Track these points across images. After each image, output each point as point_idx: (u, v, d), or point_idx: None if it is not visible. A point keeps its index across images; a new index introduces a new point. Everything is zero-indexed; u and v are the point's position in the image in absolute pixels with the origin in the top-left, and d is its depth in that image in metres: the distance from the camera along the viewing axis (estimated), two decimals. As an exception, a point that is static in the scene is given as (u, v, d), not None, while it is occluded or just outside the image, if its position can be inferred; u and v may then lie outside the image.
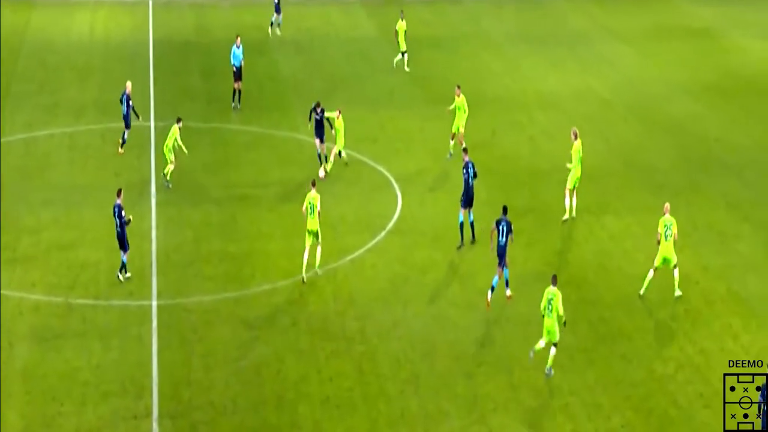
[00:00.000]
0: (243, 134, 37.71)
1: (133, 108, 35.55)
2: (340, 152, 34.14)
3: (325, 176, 33.23)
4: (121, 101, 35.59)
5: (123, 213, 27.36)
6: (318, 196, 27.86)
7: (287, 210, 31.52)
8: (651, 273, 26.74)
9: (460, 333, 25.91)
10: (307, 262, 27.81)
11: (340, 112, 34.15)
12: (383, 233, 30.65)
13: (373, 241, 30.27)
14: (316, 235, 27.77)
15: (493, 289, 26.86)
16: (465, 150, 30.96)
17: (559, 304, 23.81)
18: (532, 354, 24.24)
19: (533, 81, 44.10)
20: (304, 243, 27.90)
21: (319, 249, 27.93)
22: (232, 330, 25.79)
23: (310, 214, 27.73)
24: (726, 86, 43.87)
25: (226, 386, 23.62)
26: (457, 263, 29.27)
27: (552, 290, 23.95)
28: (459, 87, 35.85)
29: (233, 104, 39.74)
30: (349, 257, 29.33)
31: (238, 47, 39.54)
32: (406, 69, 44.42)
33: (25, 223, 30.77)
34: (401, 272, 28.70)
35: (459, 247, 29.75)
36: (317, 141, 34.17)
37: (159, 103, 40.09)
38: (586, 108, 41.21)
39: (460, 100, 35.51)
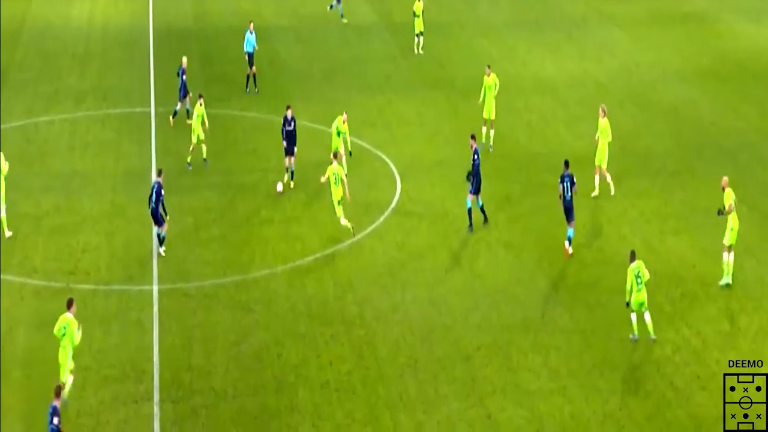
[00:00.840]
0: (242, 120, 37.39)
1: (184, 83, 35.47)
2: (350, 152, 32.76)
3: (283, 191, 30.78)
4: (178, 74, 35.90)
5: (162, 192, 27.29)
6: (341, 168, 28.77)
7: (286, 196, 31.25)
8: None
9: (458, 317, 25.69)
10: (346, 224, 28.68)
11: (345, 116, 32.32)
12: (382, 218, 30.39)
13: (372, 226, 30.02)
14: (339, 202, 28.51)
15: (569, 240, 27.89)
16: (473, 136, 30.34)
17: (646, 272, 24.06)
18: (635, 337, 24.35)
19: (530, 66, 43.76)
20: (336, 212, 28.66)
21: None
22: (231, 315, 25.56)
23: (335, 183, 28.37)
24: (720, 71, 43.56)
25: (226, 370, 23.40)
26: (455, 248, 29.02)
27: (635, 264, 24.07)
28: (489, 66, 35.32)
29: (247, 90, 39.29)
30: (347, 242, 29.07)
31: (251, 33, 39.24)
32: (420, 52, 44.08)
33: (26, 209, 30.50)
34: (400, 257, 28.45)
35: (469, 230, 29.49)
36: (287, 158, 31.61)
37: (159, 90, 39.75)
38: (582, 93, 40.89)
39: (491, 80, 34.89)
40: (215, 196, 31.76)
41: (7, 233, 28.76)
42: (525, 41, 46.99)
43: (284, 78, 41.23)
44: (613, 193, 31.62)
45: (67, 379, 21.94)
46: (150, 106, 38.13)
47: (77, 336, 21.97)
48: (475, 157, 29.42)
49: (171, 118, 35.78)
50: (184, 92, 35.62)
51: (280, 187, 30.06)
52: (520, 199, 31.83)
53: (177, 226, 29.39)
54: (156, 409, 22.05)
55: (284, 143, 31.73)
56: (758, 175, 33.99)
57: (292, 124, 31.52)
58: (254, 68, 39.31)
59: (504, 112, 38.39)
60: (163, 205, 27.45)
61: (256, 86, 39.44)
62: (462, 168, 32.92)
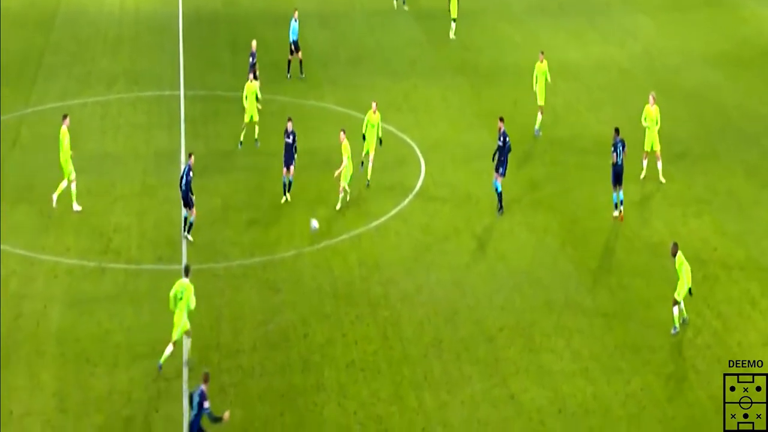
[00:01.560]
0: (270, 104, 37.17)
1: (254, 64, 35.35)
2: (380, 140, 31.12)
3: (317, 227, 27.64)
4: (252, 55, 35.77)
5: (191, 175, 27.05)
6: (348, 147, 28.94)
7: (313, 178, 31.07)
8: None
9: (481, 298, 25.48)
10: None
11: (375, 106, 30.68)
12: (406, 201, 30.18)
13: (397, 208, 29.82)
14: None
15: (616, 205, 28.60)
16: (501, 119, 29.67)
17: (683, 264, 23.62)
18: (676, 330, 23.87)
19: (553, 51, 43.11)
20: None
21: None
22: (259, 294, 25.48)
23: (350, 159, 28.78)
24: (743, 55, 42.94)
25: (254, 349, 23.34)
26: (478, 231, 28.79)
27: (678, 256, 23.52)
28: (543, 53, 34.91)
29: (289, 75, 38.96)
30: (373, 223, 28.90)
31: (295, 21, 38.99)
32: (452, 36, 43.73)
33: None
34: (424, 239, 28.26)
35: (499, 212, 29.25)
36: (285, 169, 29.66)
37: (188, 74, 39.67)
38: (605, 78, 40.44)
39: (544, 66, 34.48)
40: (243, 178, 31.65)
41: (76, 207, 29.01)
42: (548, 27, 46.47)
43: (311, 63, 40.95)
44: (663, 180, 31.12)
45: (186, 341, 22.43)
46: (179, 89, 38.05)
47: (192, 300, 22.24)
48: (504, 139, 28.98)
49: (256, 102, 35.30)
50: (253, 75, 35.11)
51: (315, 224, 26.36)
52: (544, 182, 31.52)
53: (205, 208, 29.32)
54: (185, 387, 22.02)
55: (283, 157, 29.69)
56: (780, 160, 33.55)
57: (291, 137, 29.47)
58: (300, 54, 38.96)
59: (528, 97, 38.00)
60: (190, 188, 27.30)
61: (302, 72, 39.05)
62: (486, 152, 32.71)
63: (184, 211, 27.78)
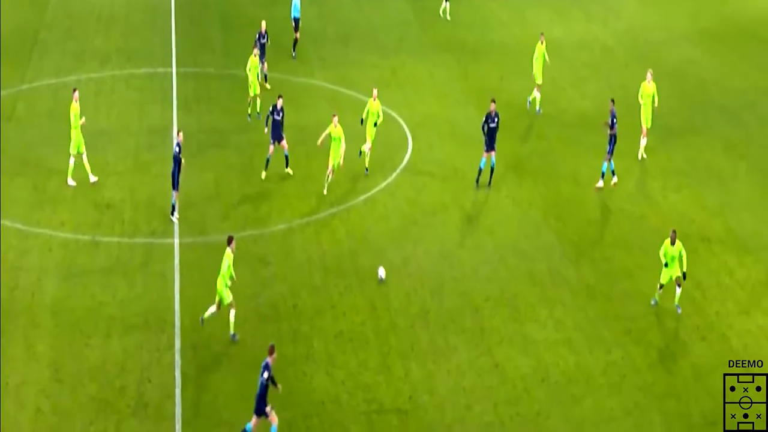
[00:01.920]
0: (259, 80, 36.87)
1: (264, 45, 34.94)
2: (375, 123, 29.99)
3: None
4: (260, 36, 35.21)
5: (179, 152, 26.57)
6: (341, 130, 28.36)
7: (303, 153, 30.83)
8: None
9: (467, 270, 25.37)
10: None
11: (376, 93, 29.69)
12: (394, 175, 29.97)
13: (385, 182, 29.62)
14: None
15: (603, 174, 28.79)
16: (493, 100, 29.23)
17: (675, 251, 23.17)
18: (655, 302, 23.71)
19: (539, 29, 42.85)
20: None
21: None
22: (250, 267, 25.30)
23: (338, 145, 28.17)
24: (723, 32, 42.74)
25: (245, 321, 23.18)
26: (465, 204, 28.64)
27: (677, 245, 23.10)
28: (543, 34, 34.59)
29: (292, 53, 38.52)
30: (362, 197, 28.72)
31: None
32: (447, 18, 43.33)
33: (54, 165, 30.17)
34: (411, 213, 28.10)
35: (488, 187, 29.11)
36: (273, 144, 29.12)
37: (180, 52, 39.26)
38: (589, 55, 40.19)
39: (543, 47, 34.12)
40: (235, 153, 31.37)
41: (92, 178, 28.89)
42: (533, 5, 46.11)
43: (300, 40, 40.58)
44: (644, 156, 30.93)
45: (230, 312, 22.32)
46: (172, 66, 37.66)
47: (223, 267, 22.17)
48: (497, 120, 28.64)
49: (264, 82, 34.92)
50: (262, 54, 34.78)
51: (382, 273, 24.28)
52: (529, 157, 31.36)
53: (198, 183, 29.07)
54: (177, 357, 21.90)
55: (268, 131, 29.18)
56: (758, 134, 33.48)
57: (281, 114, 28.90)
58: (298, 34, 38.55)
59: (513, 75, 37.79)
60: (179, 167, 26.64)
61: (294, 51, 38.67)
62: (472, 128, 32.55)
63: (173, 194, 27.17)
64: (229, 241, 22.55)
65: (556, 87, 36.83)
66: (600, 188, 29.02)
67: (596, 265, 25.66)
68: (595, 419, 20.42)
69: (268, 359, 19.25)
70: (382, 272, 23.09)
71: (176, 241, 26.35)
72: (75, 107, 28.69)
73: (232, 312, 22.43)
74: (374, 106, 29.56)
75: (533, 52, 34.51)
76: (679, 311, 23.42)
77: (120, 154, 31.02)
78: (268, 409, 19.21)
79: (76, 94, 29.00)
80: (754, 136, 33.19)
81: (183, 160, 27.00)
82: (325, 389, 21.15)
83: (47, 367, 21.56)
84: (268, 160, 29.45)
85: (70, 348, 22.19)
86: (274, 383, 19.44)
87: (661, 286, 23.58)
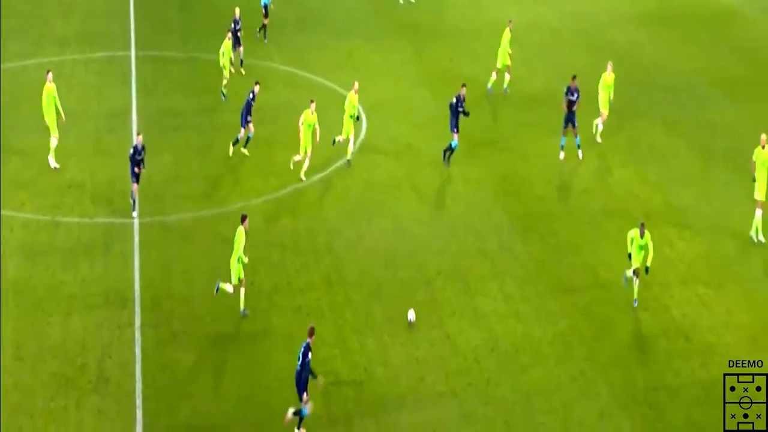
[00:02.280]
0: (218, 63, 36.34)
1: (238, 32, 34.30)
2: (358, 117, 29.57)
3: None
4: (234, 22, 34.55)
5: (142, 152, 25.60)
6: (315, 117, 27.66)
7: (262, 134, 30.40)
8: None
9: (420, 244, 25.26)
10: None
11: (356, 86, 28.82)
12: (350, 154, 29.69)
13: (340, 161, 29.35)
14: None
15: (563, 147, 28.88)
16: (464, 85, 28.99)
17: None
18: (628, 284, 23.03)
19: (491, 12, 42.81)
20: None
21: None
22: (209, 246, 24.95)
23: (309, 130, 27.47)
24: (664, 15, 42.93)
25: (204, 298, 22.86)
26: (418, 181, 28.47)
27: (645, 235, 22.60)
28: (511, 21, 34.29)
29: (263, 39, 37.83)
30: (318, 176, 28.43)
31: None
32: (411, 1, 42.94)
33: (15, 147, 29.53)
34: (367, 190, 27.90)
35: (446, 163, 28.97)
36: (246, 126, 28.78)
37: (139, 35, 38.54)
38: (538, 37, 40.11)
39: (509, 34, 33.86)
40: (194, 134, 30.90)
41: (54, 164, 28.12)
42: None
43: (257, 22, 40.03)
44: (599, 140, 30.77)
45: (240, 290, 22.07)
46: (130, 50, 36.96)
47: (234, 246, 21.87)
48: (460, 102, 28.50)
49: (236, 68, 34.24)
50: (236, 41, 34.15)
51: (412, 316, 22.26)
52: (479, 136, 31.25)
53: (157, 164, 28.56)
54: (137, 334, 21.55)
55: (246, 114, 28.78)
56: (697, 113, 33.68)
57: (255, 100, 28.75)
58: (267, 20, 37.89)
59: (466, 55, 37.64)
60: (137, 164, 25.65)
61: (265, 37, 37.98)
62: (426, 109, 32.46)
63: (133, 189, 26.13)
64: (243, 219, 22.13)
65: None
66: (563, 159, 29.10)
67: (544, 240, 25.68)
68: (543, 387, 20.46)
69: (308, 341, 18.72)
70: (412, 315, 21.84)
71: (136, 220, 25.90)
72: (50, 88, 28.05)
73: (242, 290, 22.11)
74: (354, 99, 28.73)
75: (494, 36, 34.30)
76: (636, 304, 22.81)
77: (80, 136, 30.39)
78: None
79: (50, 75, 28.30)
80: (693, 116, 33.39)
81: (143, 164, 25.75)
82: (282, 363, 20.89)
83: (9, 346, 21.11)
84: (248, 138, 29.05)
85: (32, 327, 21.75)
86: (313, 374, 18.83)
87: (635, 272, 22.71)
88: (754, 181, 25.25)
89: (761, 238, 25.47)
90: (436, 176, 28.72)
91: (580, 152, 29.55)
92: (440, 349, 21.47)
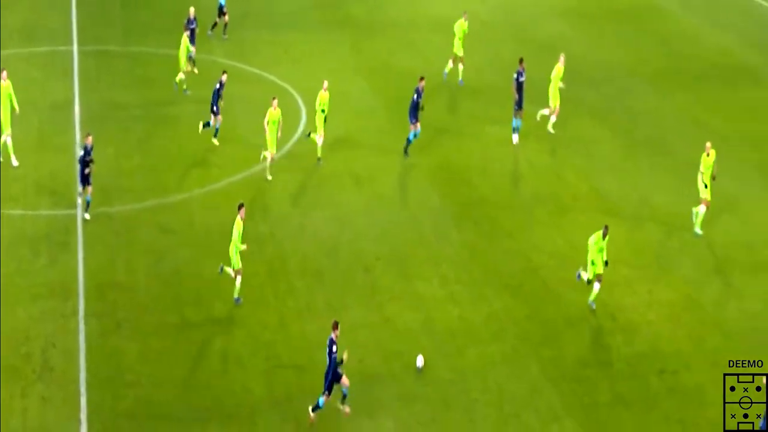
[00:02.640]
0: (159, 57, 35.64)
1: (193, 30, 33.63)
2: (324, 111, 28.44)
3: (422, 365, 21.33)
4: (189, 21, 33.77)
5: (91, 153, 24.63)
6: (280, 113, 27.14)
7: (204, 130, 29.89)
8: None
9: (360, 232, 25.12)
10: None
11: (326, 84, 28.20)
12: (289, 145, 29.37)
13: (280, 153, 29.00)
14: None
15: (515, 130, 29.21)
16: (422, 78, 28.68)
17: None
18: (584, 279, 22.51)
19: (427, 6, 42.77)
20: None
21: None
22: (152, 236, 24.49)
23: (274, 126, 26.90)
24: (588, 8, 43.35)
25: (148, 287, 22.44)
26: (356, 170, 28.30)
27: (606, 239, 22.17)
28: (465, 13, 34.27)
29: (210, 33, 37.03)
30: (258, 166, 28.06)
31: None
32: None
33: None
34: (307, 180, 27.63)
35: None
36: (216, 116, 28.64)
37: (81, 29, 37.58)
38: (470, 30, 40.08)
39: (466, 24, 33.79)
40: (135, 126, 30.27)
41: (14, 162, 27.15)
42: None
43: (200, 19, 39.28)
44: (552, 131, 30.74)
45: (237, 278, 21.66)
46: (73, 44, 36.02)
47: (234, 234, 21.49)
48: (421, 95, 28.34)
49: (191, 66, 33.31)
50: (191, 40, 33.33)
51: (420, 362, 20.58)
52: (422, 128, 31.11)
53: (100, 156, 27.81)
54: (82, 324, 21.04)
55: (214, 103, 28.60)
56: (620, 104, 34.06)
57: (222, 89, 28.61)
58: (227, 17, 37.12)
59: (403, 49, 37.50)
60: (88, 166, 24.76)
61: (225, 33, 37.23)
62: (364, 101, 32.22)
63: (79, 188, 25.19)
64: (239, 208, 21.66)
65: (442, 59, 36.65)
66: (516, 143, 29.22)
67: (479, 226, 25.73)
68: (478, 367, 20.51)
69: (333, 335, 18.25)
70: (420, 361, 20.63)
71: (79, 212, 25.26)
72: (4, 86, 27.01)
73: (239, 278, 21.64)
74: (324, 97, 28.12)
75: (432, 30, 34.27)
76: (593, 306, 22.37)
77: (24, 130, 29.45)
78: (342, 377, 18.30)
79: (5, 74, 27.22)
80: (616, 106, 33.78)
81: (92, 164, 24.88)
82: (226, 349, 20.65)
83: (-45, 339, 20.45)
84: (217, 129, 28.55)
85: (-23, 320, 21.10)
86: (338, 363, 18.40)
87: (589, 281, 22.36)
88: (706, 187, 25.19)
89: (698, 230, 25.59)
90: (374, 166, 28.57)
91: (515, 136, 29.61)
92: (379, 333, 21.38)
